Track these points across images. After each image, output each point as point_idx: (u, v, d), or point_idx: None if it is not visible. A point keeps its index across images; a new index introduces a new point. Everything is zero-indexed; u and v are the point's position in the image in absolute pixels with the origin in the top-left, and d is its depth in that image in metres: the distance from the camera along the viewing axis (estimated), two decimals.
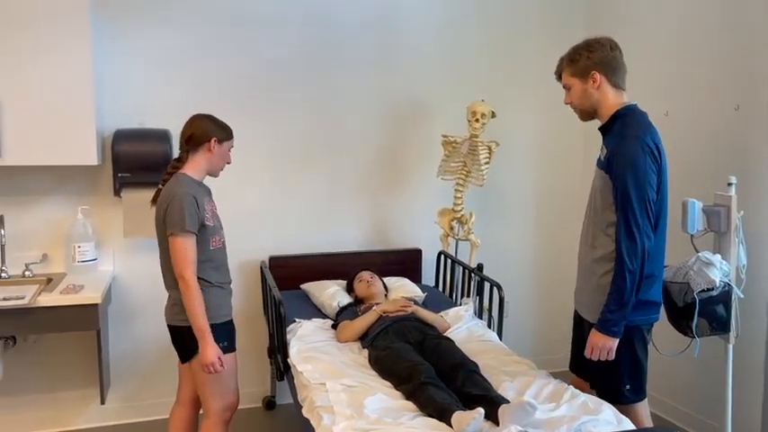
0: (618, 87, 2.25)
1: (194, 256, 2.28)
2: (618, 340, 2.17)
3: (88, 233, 3.12)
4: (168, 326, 2.42)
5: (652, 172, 2.12)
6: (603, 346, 2.17)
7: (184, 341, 2.35)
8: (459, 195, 3.45)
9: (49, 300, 2.72)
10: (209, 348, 2.26)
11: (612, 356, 2.18)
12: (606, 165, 2.19)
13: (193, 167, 2.39)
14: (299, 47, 3.46)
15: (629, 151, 2.12)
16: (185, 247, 2.25)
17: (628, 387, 2.27)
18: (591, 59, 2.22)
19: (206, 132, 2.38)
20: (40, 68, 2.81)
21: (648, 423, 2.32)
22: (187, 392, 2.57)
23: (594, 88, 2.23)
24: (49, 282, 2.99)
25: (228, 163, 2.49)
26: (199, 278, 2.28)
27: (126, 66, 3.21)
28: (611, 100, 2.24)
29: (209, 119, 2.42)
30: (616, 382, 2.27)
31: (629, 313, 2.15)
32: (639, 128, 2.17)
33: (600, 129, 2.33)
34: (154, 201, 2.42)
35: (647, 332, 2.30)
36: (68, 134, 2.86)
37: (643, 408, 2.32)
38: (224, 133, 2.43)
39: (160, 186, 2.41)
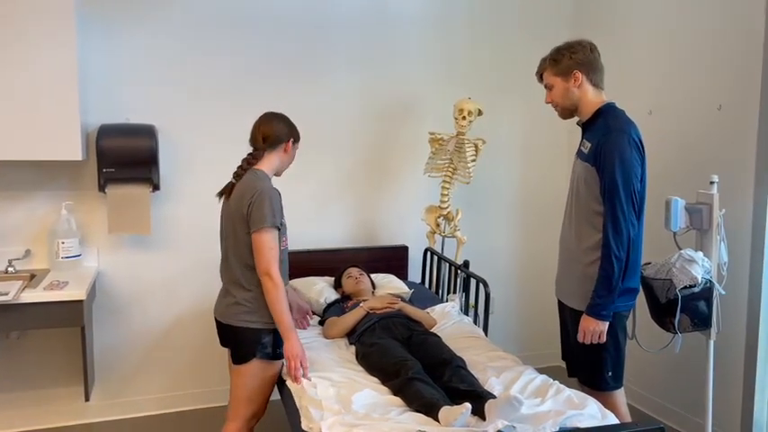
0: (597, 86, 2.37)
1: (278, 252, 2.25)
2: (608, 324, 2.28)
3: (72, 229, 3.09)
4: (222, 324, 2.35)
5: (637, 164, 2.24)
6: (594, 330, 2.28)
7: (243, 343, 2.30)
8: (446, 192, 3.46)
9: (32, 296, 2.70)
10: (297, 342, 2.25)
11: (603, 339, 2.29)
12: (593, 158, 2.27)
13: (268, 165, 2.39)
14: (287, 45, 3.45)
15: (617, 144, 2.22)
16: (273, 244, 2.22)
17: (610, 374, 2.37)
18: (573, 59, 2.34)
19: (285, 133, 2.40)
20: (23, 63, 2.77)
21: (625, 411, 2.43)
22: None
23: (576, 87, 2.35)
24: (32, 278, 2.96)
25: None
26: None
27: (112, 61, 3.18)
28: (592, 98, 2.37)
29: (286, 120, 2.44)
30: (599, 368, 2.37)
31: (616, 298, 2.26)
32: (624, 123, 2.28)
33: (582, 124, 2.43)
34: (226, 194, 2.38)
35: (625, 319, 2.41)
36: (52, 129, 2.83)
37: (621, 395, 2.43)
38: (298, 135, 2.47)
39: (233, 181, 2.38)
